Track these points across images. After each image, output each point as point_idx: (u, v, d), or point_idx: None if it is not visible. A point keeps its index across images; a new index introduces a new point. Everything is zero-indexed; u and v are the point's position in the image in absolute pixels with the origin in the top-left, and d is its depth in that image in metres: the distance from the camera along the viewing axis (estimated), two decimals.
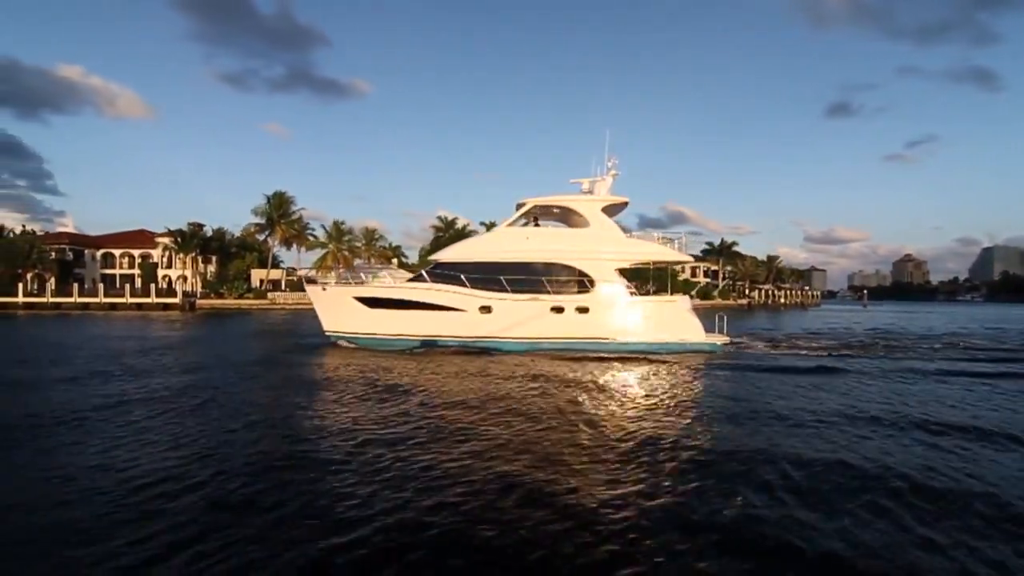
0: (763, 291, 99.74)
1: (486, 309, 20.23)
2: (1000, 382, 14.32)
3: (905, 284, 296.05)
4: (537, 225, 22.27)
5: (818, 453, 7.73)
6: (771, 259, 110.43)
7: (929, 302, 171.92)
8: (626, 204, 21.95)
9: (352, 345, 21.16)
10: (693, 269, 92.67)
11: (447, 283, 20.46)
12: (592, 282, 20.60)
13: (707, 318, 22.92)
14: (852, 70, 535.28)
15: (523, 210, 21.33)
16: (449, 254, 22.00)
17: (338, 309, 21.43)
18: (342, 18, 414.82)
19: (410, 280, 21.95)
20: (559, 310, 20.24)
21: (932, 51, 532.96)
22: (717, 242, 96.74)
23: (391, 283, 21.95)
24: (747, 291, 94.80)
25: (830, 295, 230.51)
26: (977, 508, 5.91)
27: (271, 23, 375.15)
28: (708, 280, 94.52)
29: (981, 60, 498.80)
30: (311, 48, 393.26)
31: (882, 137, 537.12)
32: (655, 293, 23.71)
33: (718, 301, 78.09)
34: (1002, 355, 20.56)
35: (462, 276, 20.41)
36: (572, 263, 20.71)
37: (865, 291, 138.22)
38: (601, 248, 20.73)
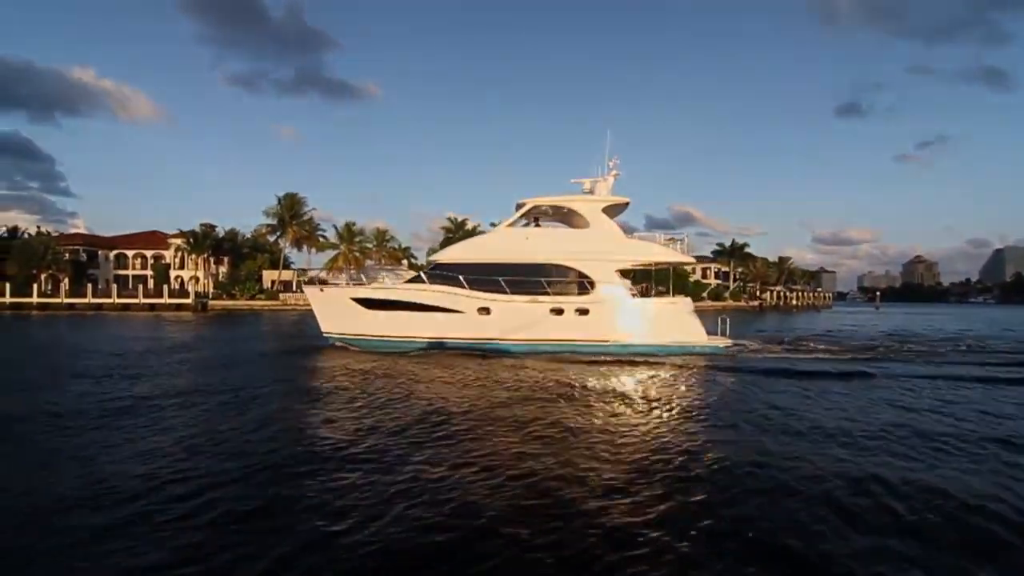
0: (775, 292, 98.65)
1: (485, 311, 20.11)
2: None
3: (915, 286, 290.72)
4: (537, 225, 22.15)
5: (894, 472, 7.01)
6: (782, 260, 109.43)
7: (940, 304, 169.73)
8: (627, 204, 21.77)
9: (352, 347, 21.08)
10: (704, 270, 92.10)
11: (446, 284, 20.34)
12: (592, 283, 20.42)
13: (711, 321, 22.61)
14: (862, 70, 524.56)
15: (523, 210, 21.19)
16: (448, 255, 21.89)
17: (336, 310, 21.31)
18: (351, 20, 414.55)
19: (408, 281, 21.86)
20: (559, 312, 20.08)
21: (943, 51, 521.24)
22: (727, 243, 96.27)
23: (389, 284, 21.87)
24: (759, 293, 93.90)
25: (840, 296, 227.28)
26: None
27: (280, 25, 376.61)
28: (719, 282, 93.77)
29: (993, 60, 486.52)
30: (321, 50, 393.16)
31: (892, 137, 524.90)
32: (660, 295, 23.48)
33: (729, 303, 77.53)
34: None
35: (460, 277, 20.29)
36: (572, 264, 20.54)
37: (878, 292, 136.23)
38: (602, 249, 20.54)
